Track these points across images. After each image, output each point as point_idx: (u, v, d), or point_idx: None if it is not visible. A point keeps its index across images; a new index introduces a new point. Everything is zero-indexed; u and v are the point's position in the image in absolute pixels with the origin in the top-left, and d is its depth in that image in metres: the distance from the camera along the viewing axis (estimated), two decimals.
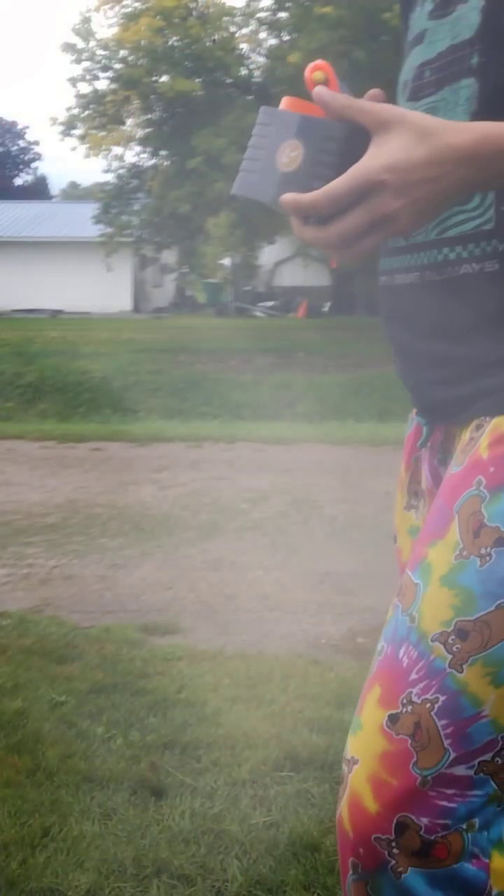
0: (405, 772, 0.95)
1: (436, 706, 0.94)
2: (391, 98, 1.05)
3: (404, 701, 0.96)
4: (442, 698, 0.94)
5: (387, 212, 0.90)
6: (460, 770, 0.94)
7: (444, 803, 0.94)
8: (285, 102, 0.96)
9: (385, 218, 0.90)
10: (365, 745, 1.01)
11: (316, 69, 0.97)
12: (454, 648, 0.94)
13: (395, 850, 0.95)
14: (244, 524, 5.79)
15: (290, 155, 0.92)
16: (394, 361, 1.24)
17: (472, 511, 0.97)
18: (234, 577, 4.75)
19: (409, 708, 0.96)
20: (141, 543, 5.37)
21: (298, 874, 2.15)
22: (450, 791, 0.94)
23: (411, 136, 0.89)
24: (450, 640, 0.94)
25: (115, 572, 4.86)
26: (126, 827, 2.35)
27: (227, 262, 31.09)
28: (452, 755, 0.94)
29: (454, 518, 0.99)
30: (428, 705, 0.95)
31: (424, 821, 0.95)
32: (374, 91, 1.01)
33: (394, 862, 0.96)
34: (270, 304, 30.05)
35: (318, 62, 0.98)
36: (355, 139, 0.90)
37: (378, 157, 0.89)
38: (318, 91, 0.93)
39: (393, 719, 0.97)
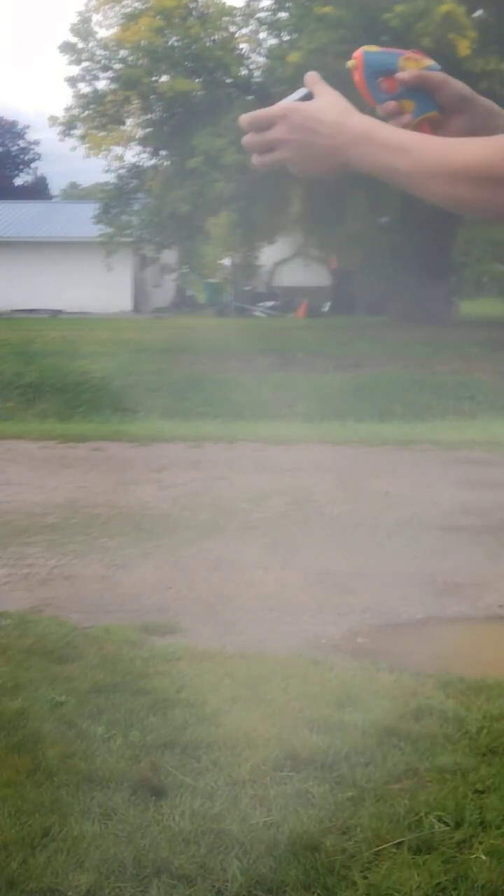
0: None
1: None
2: None
3: None
4: None
5: (278, 137, 1.22)
6: None
7: None
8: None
9: (277, 142, 1.22)
10: None
11: (352, 59, 1.30)
12: None
13: None
14: (244, 524, 5.79)
15: None
16: None
17: None
18: (234, 577, 4.75)
19: None
20: (141, 543, 5.37)
21: (298, 874, 2.15)
22: None
23: (328, 102, 1.23)
24: None
25: (115, 572, 4.86)
26: (126, 827, 2.35)
27: (227, 262, 31.07)
28: None
29: None
30: None
31: None
32: None
33: None
34: (270, 304, 30.01)
35: (356, 53, 1.29)
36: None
37: (295, 103, 1.24)
38: (307, 74, 1.28)
39: None
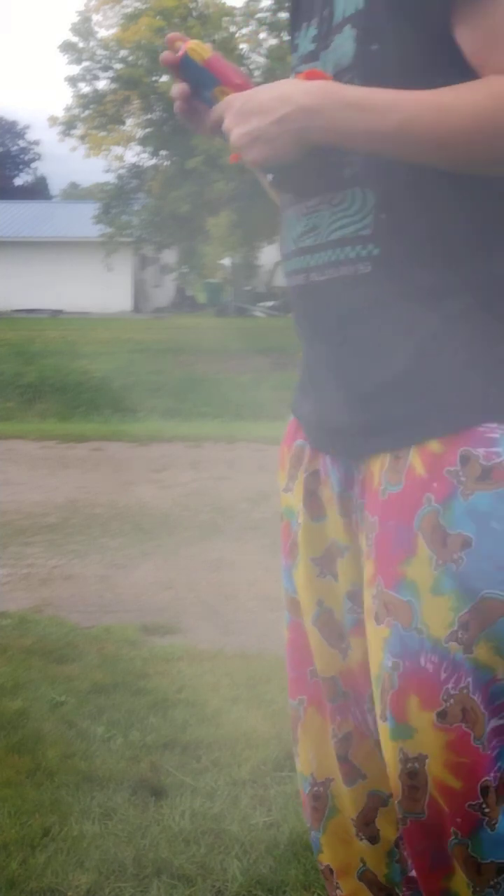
0: (470, 748, 1.14)
1: (469, 687, 1.13)
2: None
3: (444, 697, 1.14)
4: (470, 679, 1.13)
5: (225, 126, 1.16)
6: (495, 722, 1.15)
7: (498, 751, 1.16)
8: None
9: (227, 131, 1.15)
10: (428, 743, 1.15)
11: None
12: (463, 638, 1.12)
13: (485, 809, 1.15)
14: (244, 524, 5.79)
15: None
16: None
17: (433, 525, 1.13)
18: (234, 577, 4.75)
19: (451, 701, 1.14)
20: (141, 543, 5.37)
21: (298, 874, 2.15)
22: (495, 741, 1.16)
23: (267, 85, 1.14)
24: (458, 635, 1.12)
25: (115, 572, 4.86)
26: (126, 827, 2.35)
27: (227, 262, 31.09)
28: (487, 715, 1.14)
29: (417, 535, 1.14)
30: (465, 690, 1.14)
31: (493, 774, 1.16)
32: None
33: (487, 818, 1.16)
34: (270, 304, 30.03)
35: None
36: None
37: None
38: None
39: (441, 716, 1.14)
